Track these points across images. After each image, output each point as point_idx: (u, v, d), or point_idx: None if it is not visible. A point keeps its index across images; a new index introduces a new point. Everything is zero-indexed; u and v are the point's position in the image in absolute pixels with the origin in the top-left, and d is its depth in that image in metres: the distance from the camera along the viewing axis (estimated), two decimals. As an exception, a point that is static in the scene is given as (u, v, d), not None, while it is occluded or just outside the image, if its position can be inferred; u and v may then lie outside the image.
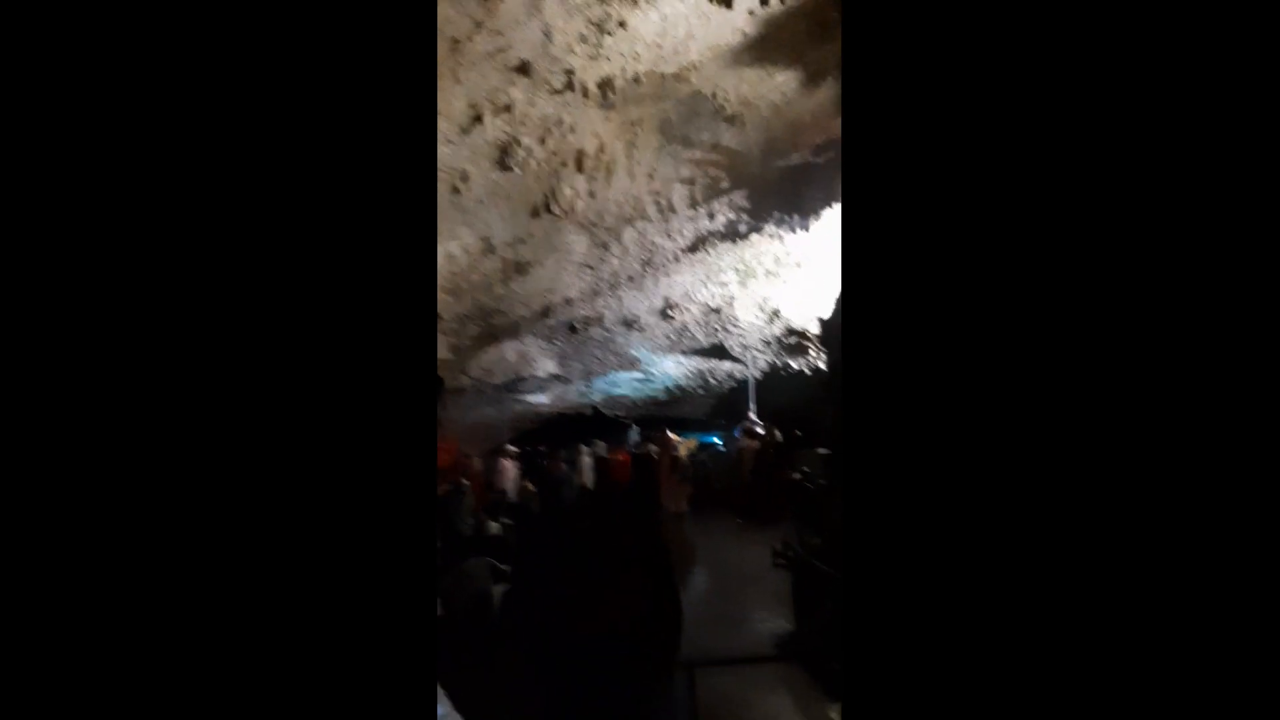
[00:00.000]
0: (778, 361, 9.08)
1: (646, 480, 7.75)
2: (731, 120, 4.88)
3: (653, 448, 8.26)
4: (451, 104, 4.31)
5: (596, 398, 12.32)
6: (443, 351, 7.27)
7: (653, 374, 10.07)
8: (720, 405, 12.90)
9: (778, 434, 8.17)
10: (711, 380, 11.12)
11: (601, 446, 8.03)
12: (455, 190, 5.23)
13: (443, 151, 4.74)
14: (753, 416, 8.68)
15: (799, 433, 7.65)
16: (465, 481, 6.31)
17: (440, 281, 6.02)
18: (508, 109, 4.47)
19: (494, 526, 6.02)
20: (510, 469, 8.01)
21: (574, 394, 11.58)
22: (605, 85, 4.37)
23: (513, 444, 10.20)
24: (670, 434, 9.46)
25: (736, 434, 8.43)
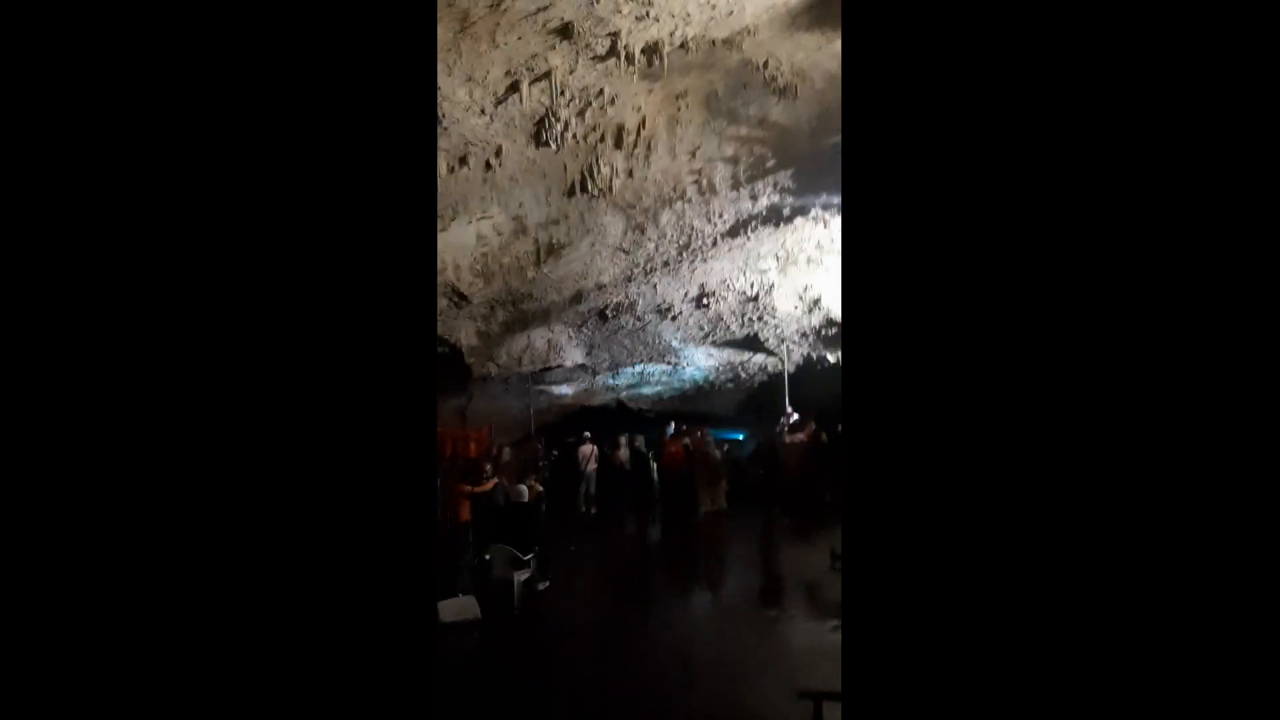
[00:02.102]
0: (813, 354, 8.75)
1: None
2: (782, 92, 4.57)
3: (686, 442, 7.98)
4: (488, 70, 4.06)
5: (622, 390, 12.06)
6: (470, 338, 7.08)
7: (683, 366, 9.80)
8: (749, 401, 12.57)
9: (823, 433, 7.85)
10: (742, 374, 10.81)
11: (640, 440, 7.81)
12: (488, 166, 5.00)
13: (476, 124, 4.51)
14: (791, 411, 8.38)
15: (840, 428, 7.35)
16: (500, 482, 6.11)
17: (470, 263, 5.81)
18: (546, 77, 4.22)
19: (520, 490, 5.84)
20: (590, 453, 7.82)
21: (599, 386, 11.33)
22: (651, 51, 4.09)
23: (539, 436, 10.01)
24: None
25: (778, 430, 8.14)
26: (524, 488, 5.79)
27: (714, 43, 4.16)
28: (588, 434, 8.20)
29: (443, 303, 6.19)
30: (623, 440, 7.60)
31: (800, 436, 7.55)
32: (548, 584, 5.73)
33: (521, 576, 5.36)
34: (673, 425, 8.54)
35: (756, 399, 11.91)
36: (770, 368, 9.94)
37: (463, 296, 6.08)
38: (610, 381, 11.07)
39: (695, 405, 12.84)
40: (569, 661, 4.47)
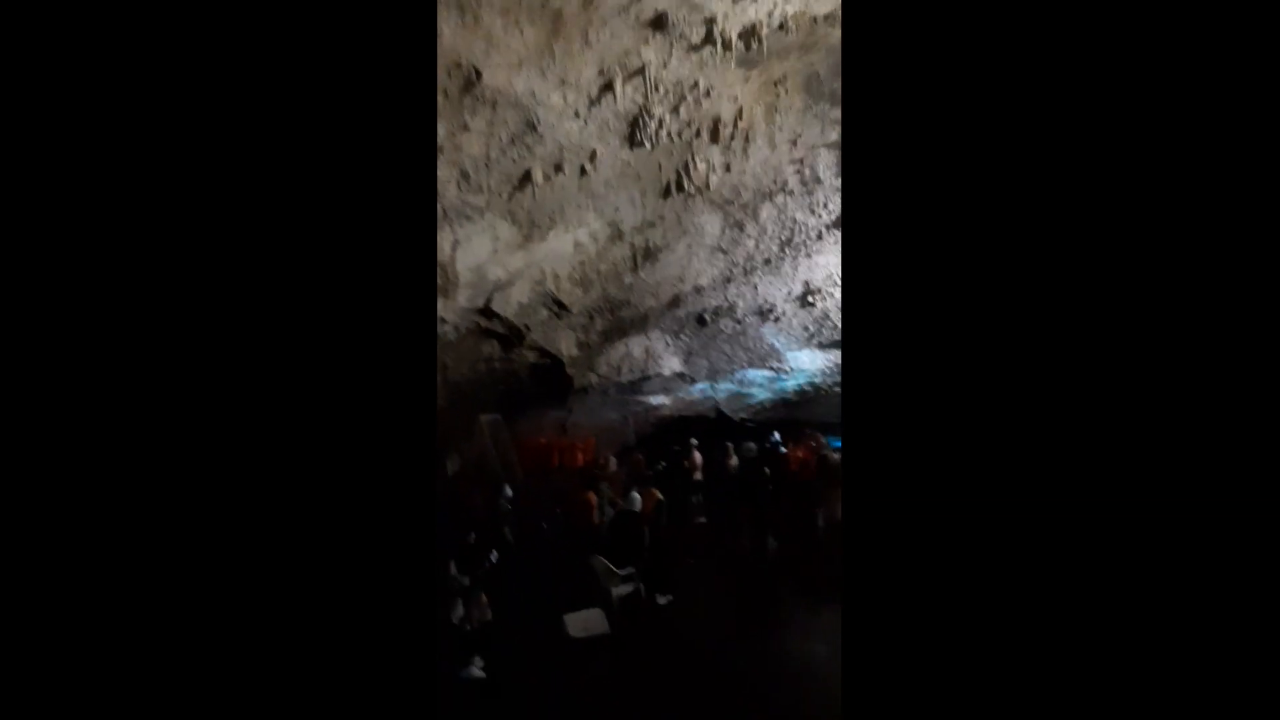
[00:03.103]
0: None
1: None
2: (891, 66, 4.22)
3: (813, 445, 7.58)
4: (581, 71, 4.01)
5: (721, 398, 11.75)
6: (571, 348, 7.08)
7: (786, 370, 9.40)
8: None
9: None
10: (849, 377, 10.23)
11: (752, 446, 7.53)
12: (583, 172, 4.95)
13: (570, 128, 4.46)
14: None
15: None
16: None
17: (568, 271, 5.80)
18: (639, 73, 4.12)
19: (634, 499, 5.68)
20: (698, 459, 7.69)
21: (697, 395, 11.09)
22: (748, 35, 3.90)
23: (640, 447, 9.89)
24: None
25: None
26: (636, 496, 5.65)
27: (815, 20, 3.91)
28: (695, 441, 7.99)
29: (543, 313, 6.22)
30: (730, 447, 7.32)
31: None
32: (670, 598, 5.50)
33: (622, 590, 5.22)
34: (777, 434, 8.14)
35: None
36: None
37: (563, 306, 6.08)
38: (709, 390, 10.82)
39: (799, 413, 12.30)
40: (694, 681, 4.27)
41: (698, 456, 7.61)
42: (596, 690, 4.24)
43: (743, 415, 12.77)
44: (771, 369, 9.36)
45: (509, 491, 6.74)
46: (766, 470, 6.57)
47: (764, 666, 4.28)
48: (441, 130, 4.04)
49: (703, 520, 6.79)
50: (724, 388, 10.78)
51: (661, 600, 5.43)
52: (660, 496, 5.84)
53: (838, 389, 10.87)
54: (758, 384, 10.62)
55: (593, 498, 5.73)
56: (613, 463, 7.46)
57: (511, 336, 6.47)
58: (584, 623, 4.84)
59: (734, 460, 7.20)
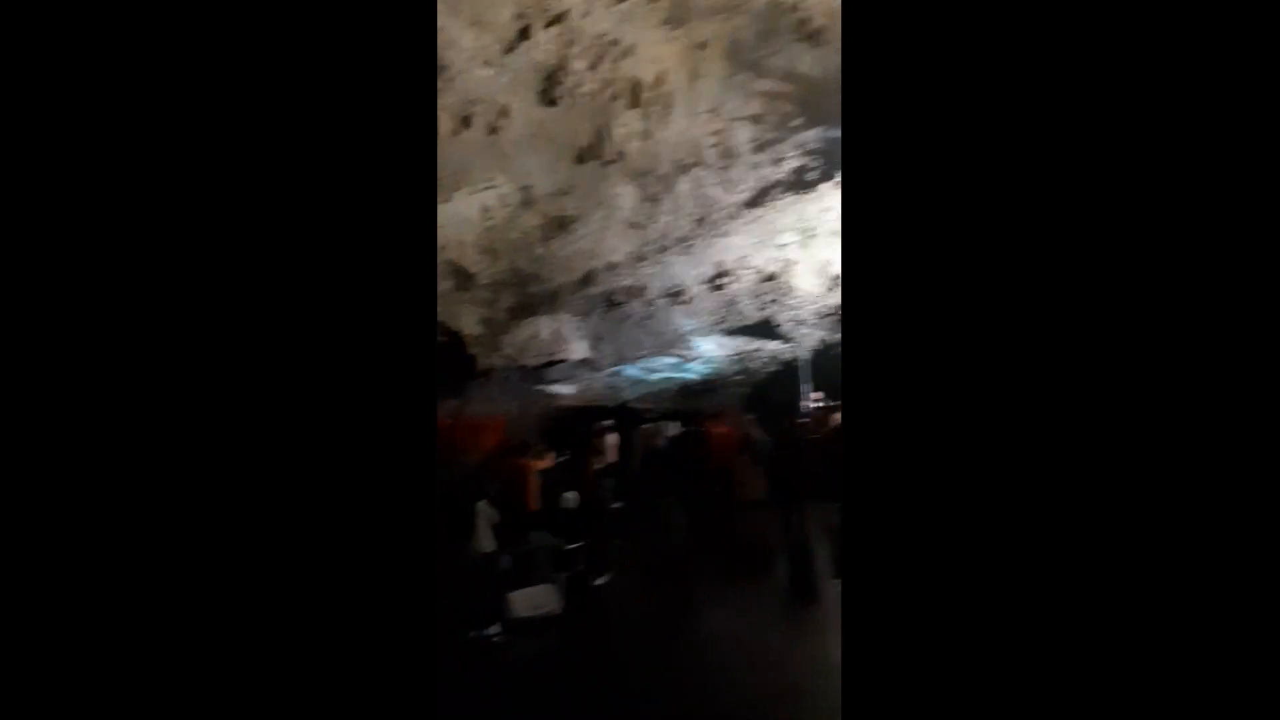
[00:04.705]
0: (830, 338, 8.37)
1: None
2: (813, 38, 4.22)
3: (721, 427, 7.71)
4: (499, 11, 3.69)
5: (624, 389, 11.59)
6: (472, 325, 6.66)
7: (692, 357, 9.40)
8: (754, 395, 12.14)
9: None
10: (749, 365, 10.40)
11: (674, 426, 7.57)
12: (493, 130, 4.62)
13: (481, 76, 4.13)
14: (815, 394, 7.99)
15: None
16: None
17: (473, 239, 5.42)
18: (560, 20, 3.86)
19: (569, 498, 5.57)
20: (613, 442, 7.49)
21: (600, 384, 10.86)
22: (676, -14, 3.75)
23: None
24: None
25: (805, 410, 7.78)
26: (573, 495, 5.53)
27: (743, -21, 3.82)
28: (610, 421, 7.87)
29: (444, 284, 5.78)
30: (657, 428, 7.37)
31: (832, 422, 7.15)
32: (607, 579, 5.43)
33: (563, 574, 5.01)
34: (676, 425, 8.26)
35: (765, 392, 11.49)
36: (782, 356, 9.55)
37: (468, 276, 5.68)
38: (611, 380, 10.62)
39: (699, 402, 12.39)
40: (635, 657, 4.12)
41: (610, 439, 7.47)
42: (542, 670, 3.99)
43: (644, 405, 12.65)
44: (678, 356, 9.33)
45: None
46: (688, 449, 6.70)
47: (702, 645, 4.18)
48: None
49: (618, 505, 6.67)
50: (628, 375, 10.63)
51: (598, 581, 5.39)
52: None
53: (739, 378, 11.05)
54: (662, 373, 10.57)
55: (533, 479, 5.44)
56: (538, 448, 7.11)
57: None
58: (533, 601, 4.50)
59: (661, 440, 7.23)
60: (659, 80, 4.51)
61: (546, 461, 5.77)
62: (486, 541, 4.54)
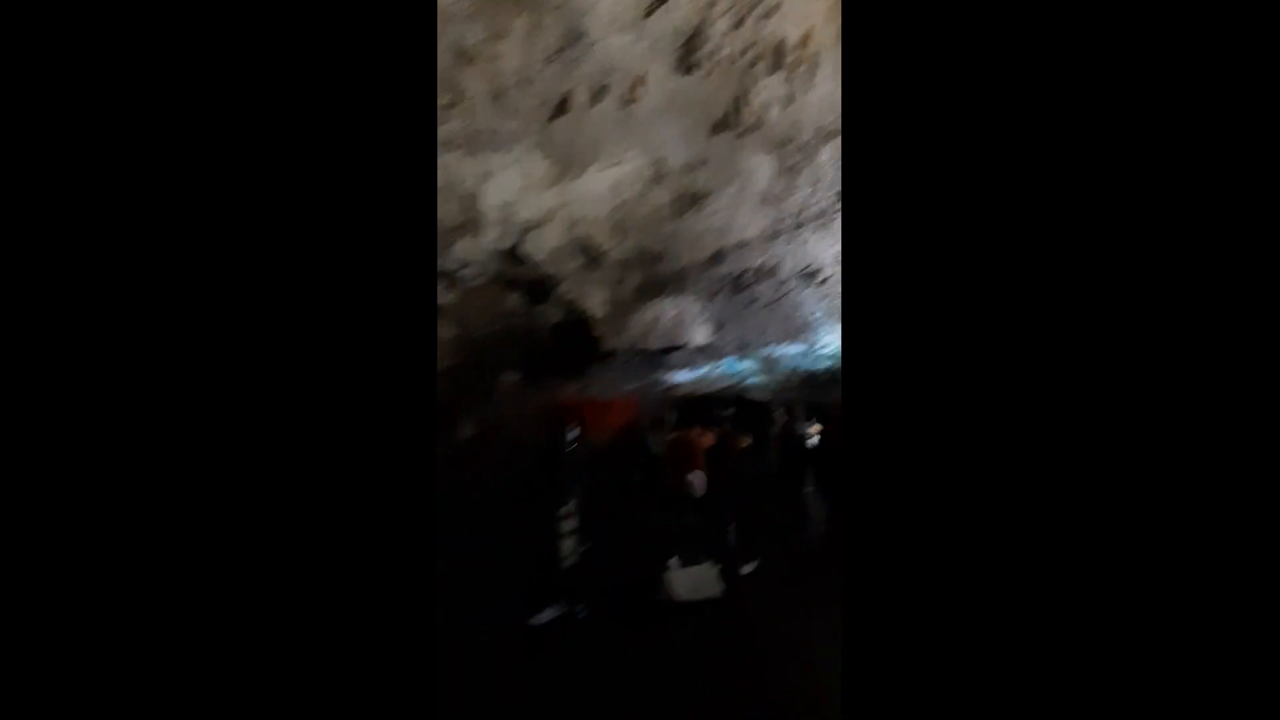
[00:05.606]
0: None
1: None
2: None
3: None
4: (638, -31, 3.55)
5: (747, 378, 11.20)
6: (600, 306, 6.64)
7: (820, 346, 8.91)
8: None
9: None
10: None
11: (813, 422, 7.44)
12: (627, 102, 4.50)
13: (619, 44, 4.01)
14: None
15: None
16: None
17: (603, 215, 5.35)
18: (703, -24, 3.65)
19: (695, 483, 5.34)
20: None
21: (718, 374, 10.55)
22: (831, -72, 3.42)
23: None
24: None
25: None
26: (699, 479, 5.38)
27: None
28: (730, 412, 7.72)
29: (574, 263, 5.78)
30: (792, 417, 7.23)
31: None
32: (755, 565, 5.26)
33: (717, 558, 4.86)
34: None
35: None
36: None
37: (597, 255, 5.65)
38: (730, 366, 10.27)
39: (824, 396, 11.75)
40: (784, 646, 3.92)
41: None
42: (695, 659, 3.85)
43: (762, 398, 12.18)
44: (806, 344, 8.87)
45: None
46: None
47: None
48: (481, 33, 3.60)
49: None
50: (748, 365, 10.25)
51: (745, 570, 5.21)
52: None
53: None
54: (786, 362, 10.10)
55: (702, 439, 5.34)
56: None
57: (538, 288, 6.05)
58: (693, 583, 4.34)
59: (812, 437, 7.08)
60: (805, 39, 4.19)
61: (708, 439, 5.62)
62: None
